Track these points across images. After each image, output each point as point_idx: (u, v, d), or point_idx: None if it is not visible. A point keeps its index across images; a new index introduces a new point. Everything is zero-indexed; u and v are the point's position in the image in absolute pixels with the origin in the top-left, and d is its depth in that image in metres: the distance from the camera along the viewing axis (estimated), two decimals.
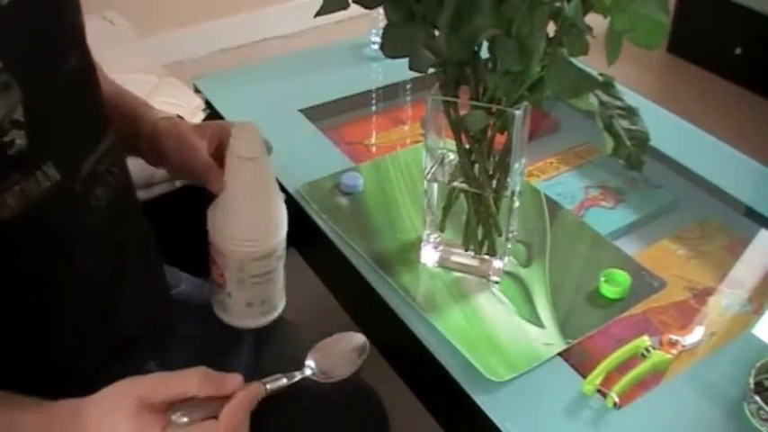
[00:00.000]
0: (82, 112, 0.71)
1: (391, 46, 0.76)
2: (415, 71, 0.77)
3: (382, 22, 0.76)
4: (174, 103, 1.36)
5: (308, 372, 0.71)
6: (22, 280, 0.63)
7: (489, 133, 0.79)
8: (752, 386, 0.73)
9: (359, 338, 0.75)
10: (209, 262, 0.80)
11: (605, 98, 0.74)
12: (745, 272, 0.91)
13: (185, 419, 0.58)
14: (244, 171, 0.75)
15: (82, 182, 0.68)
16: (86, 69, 0.72)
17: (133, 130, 0.85)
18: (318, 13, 0.80)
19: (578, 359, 0.80)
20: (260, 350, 0.89)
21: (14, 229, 0.61)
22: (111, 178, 0.73)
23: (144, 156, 0.87)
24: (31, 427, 0.61)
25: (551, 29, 0.71)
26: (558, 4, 0.68)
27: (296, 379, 0.69)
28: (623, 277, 0.87)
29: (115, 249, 0.74)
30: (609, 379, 0.76)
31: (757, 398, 0.72)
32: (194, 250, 0.81)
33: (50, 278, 0.66)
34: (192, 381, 0.60)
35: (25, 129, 0.60)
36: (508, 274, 0.89)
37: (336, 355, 0.74)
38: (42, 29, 0.64)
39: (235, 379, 0.63)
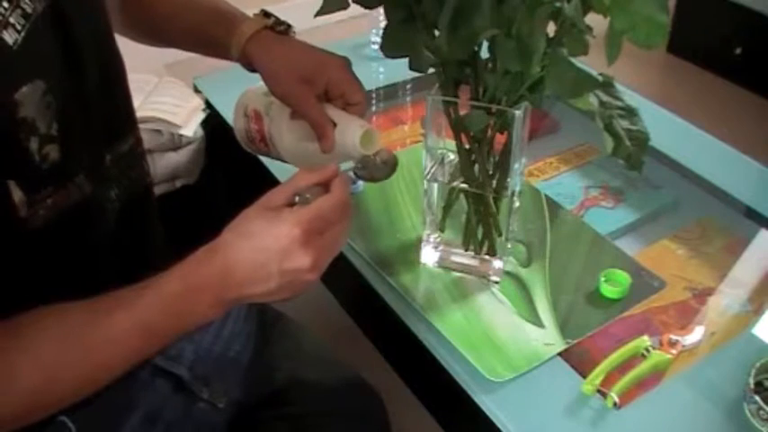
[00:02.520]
0: (108, 117, 0.71)
1: (391, 46, 0.76)
2: (415, 71, 0.77)
3: (382, 22, 0.76)
4: (174, 103, 1.36)
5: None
6: (42, 283, 0.64)
7: (489, 133, 0.79)
8: (752, 386, 0.73)
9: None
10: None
11: (605, 98, 0.74)
12: (745, 272, 0.91)
13: (308, 195, 0.67)
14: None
15: (101, 184, 0.68)
16: (115, 73, 0.72)
17: (219, 42, 0.83)
18: (318, 13, 0.80)
19: (578, 359, 0.80)
20: (261, 346, 0.89)
21: (42, 237, 0.62)
22: (126, 181, 0.73)
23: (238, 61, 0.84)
24: (172, 283, 0.63)
25: (551, 29, 0.71)
26: (558, 4, 0.68)
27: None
28: (623, 277, 0.87)
29: (129, 252, 0.75)
30: (609, 379, 0.76)
31: (757, 398, 0.72)
32: (195, 249, 0.81)
33: (69, 280, 0.66)
34: (299, 175, 0.68)
35: (58, 142, 0.61)
36: (508, 274, 0.89)
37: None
38: (75, 37, 0.64)
39: (331, 166, 0.69)
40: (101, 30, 0.70)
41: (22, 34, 0.57)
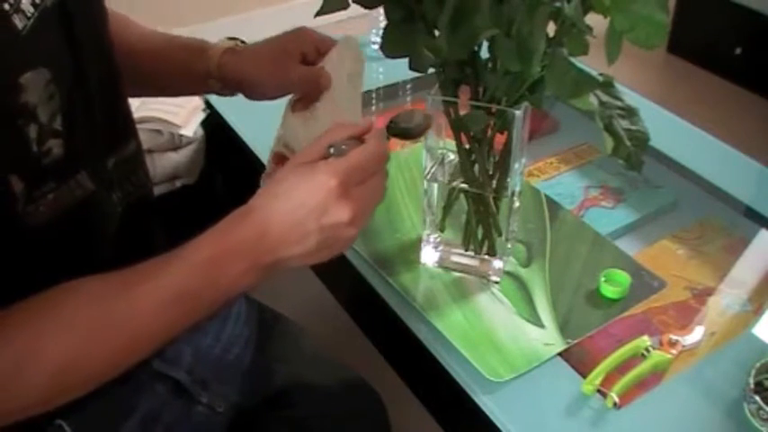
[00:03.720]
0: (110, 120, 0.71)
1: (391, 46, 0.76)
2: (415, 71, 0.77)
3: (382, 22, 0.76)
4: (174, 103, 1.36)
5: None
6: (42, 283, 0.64)
7: (489, 133, 0.79)
8: (752, 386, 0.73)
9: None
10: (274, 169, 0.82)
11: (605, 98, 0.74)
12: (745, 272, 0.91)
13: (344, 147, 0.65)
14: (345, 85, 0.78)
15: (103, 187, 0.68)
16: (114, 77, 0.72)
17: (194, 70, 0.85)
18: (318, 13, 0.80)
19: (578, 359, 0.80)
20: (260, 349, 0.89)
21: (43, 235, 0.61)
22: (128, 185, 0.73)
23: (217, 91, 0.86)
24: (203, 248, 0.61)
25: (551, 29, 0.71)
26: (557, 4, 0.68)
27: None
28: (623, 277, 0.87)
29: (129, 255, 0.75)
30: (609, 379, 0.76)
31: (757, 398, 0.72)
32: None
33: (69, 280, 0.66)
34: (332, 129, 0.66)
35: (62, 137, 0.61)
36: (508, 274, 0.89)
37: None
38: (79, 33, 0.64)
39: (366, 120, 0.69)
40: (101, 33, 0.70)
41: (31, 21, 0.57)
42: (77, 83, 0.63)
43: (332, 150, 0.65)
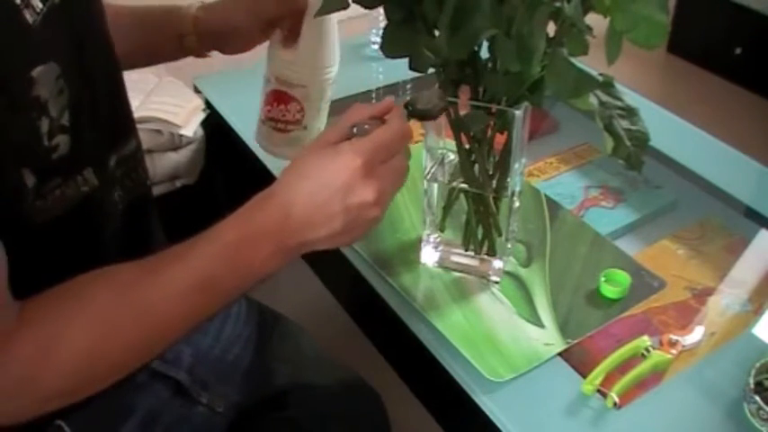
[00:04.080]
0: (112, 118, 0.71)
1: (391, 46, 0.76)
2: (415, 71, 0.77)
3: (382, 22, 0.76)
4: (174, 103, 1.36)
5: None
6: (44, 281, 0.64)
7: (489, 133, 0.79)
8: (752, 386, 0.73)
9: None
10: (271, 110, 0.89)
11: (605, 98, 0.74)
12: (745, 272, 0.91)
13: (366, 126, 0.64)
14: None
15: (106, 184, 0.69)
16: (116, 75, 0.73)
17: (170, 31, 0.88)
18: (318, 14, 0.80)
19: (578, 359, 0.80)
20: (260, 349, 0.89)
21: (47, 232, 0.62)
22: (129, 183, 0.73)
23: (194, 50, 0.90)
24: (227, 232, 0.61)
25: (551, 29, 0.71)
26: (557, 4, 0.68)
27: None
28: (623, 277, 0.87)
29: (130, 253, 0.75)
30: (609, 379, 0.76)
31: (757, 398, 0.72)
32: None
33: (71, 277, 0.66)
34: (353, 110, 0.66)
35: (69, 133, 0.61)
36: (508, 274, 0.89)
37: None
38: (82, 31, 0.65)
39: (387, 100, 0.68)
40: (103, 31, 0.70)
41: (40, 17, 0.58)
42: (83, 79, 0.64)
43: (355, 130, 0.64)
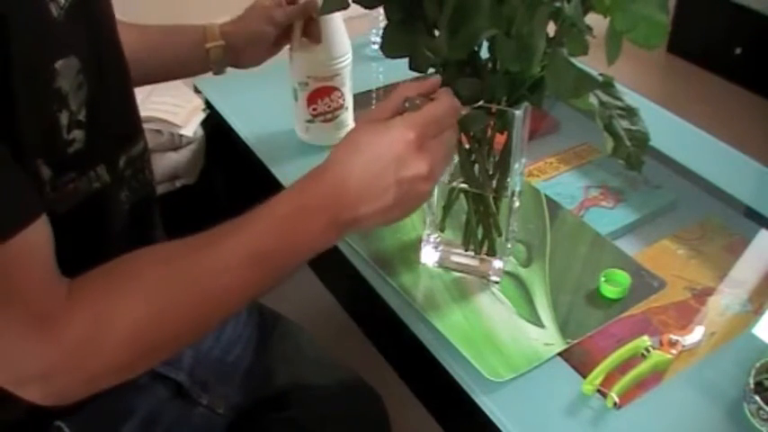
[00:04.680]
0: (123, 118, 0.72)
1: (391, 46, 0.76)
2: (415, 71, 0.77)
3: (382, 22, 0.76)
4: (174, 103, 1.36)
5: None
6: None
7: (489, 133, 0.79)
8: (752, 386, 0.73)
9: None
10: (317, 107, 1.04)
11: (605, 98, 0.74)
12: (745, 272, 0.91)
13: (417, 101, 0.66)
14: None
15: (115, 183, 0.69)
16: (126, 76, 0.73)
17: (200, 46, 0.96)
18: (319, 14, 0.81)
19: (578, 359, 0.80)
20: (260, 350, 0.89)
21: (58, 227, 0.62)
22: (136, 183, 0.73)
23: (220, 63, 0.98)
24: (282, 205, 0.61)
25: (551, 29, 0.71)
26: (557, 4, 0.68)
27: None
28: (623, 277, 0.87)
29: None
30: (609, 379, 0.76)
31: (757, 398, 0.72)
32: None
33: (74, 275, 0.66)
34: (402, 87, 0.67)
35: (85, 129, 0.62)
36: (508, 274, 0.89)
37: None
38: (98, 30, 0.66)
39: (433, 78, 0.69)
40: (115, 33, 0.71)
41: (63, 11, 0.59)
42: (99, 77, 0.64)
43: (407, 104, 0.66)
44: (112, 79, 0.69)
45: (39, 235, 0.55)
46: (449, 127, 0.65)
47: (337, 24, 1.00)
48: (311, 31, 0.99)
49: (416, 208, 0.65)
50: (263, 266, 0.60)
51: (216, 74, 1.00)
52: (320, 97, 1.04)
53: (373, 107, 0.65)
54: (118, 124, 0.70)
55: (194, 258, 0.59)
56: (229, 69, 1.02)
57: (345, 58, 1.03)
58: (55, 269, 0.57)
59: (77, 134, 0.61)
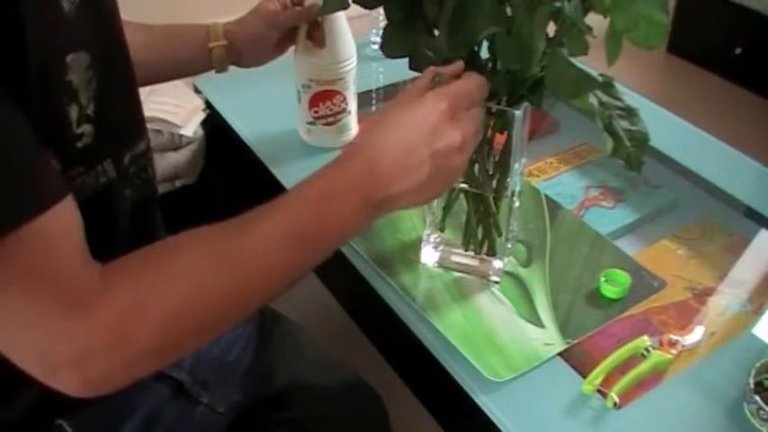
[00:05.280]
0: (128, 115, 0.72)
1: (391, 46, 0.76)
2: (415, 71, 0.77)
3: (382, 22, 0.76)
4: (175, 103, 1.36)
5: None
6: None
7: (489, 133, 0.79)
8: (752, 386, 0.73)
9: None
10: (319, 110, 1.05)
11: (605, 98, 0.74)
12: (745, 272, 0.91)
13: (446, 76, 0.67)
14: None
15: (120, 180, 0.69)
16: (132, 74, 0.73)
17: (203, 45, 0.97)
18: (319, 13, 0.80)
19: (578, 359, 0.80)
20: (261, 349, 0.89)
21: None
22: (138, 181, 0.74)
23: (222, 62, 0.99)
24: (314, 183, 0.62)
25: (551, 29, 0.71)
26: (557, 4, 0.68)
27: None
28: (623, 277, 0.87)
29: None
30: (609, 379, 0.76)
31: (757, 398, 0.72)
32: None
33: None
34: (429, 71, 0.68)
35: (93, 123, 0.62)
36: (508, 274, 0.89)
37: None
38: (106, 27, 0.67)
39: (458, 63, 0.70)
40: (121, 32, 0.71)
41: (74, 6, 0.59)
42: (107, 73, 0.64)
43: (437, 79, 0.67)
44: (119, 76, 0.69)
45: (68, 215, 0.54)
46: (477, 103, 0.66)
47: (342, 28, 1.01)
48: (315, 35, 0.99)
49: (450, 184, 0.65)
50: (302, 246, 0.60)
51: (218, 72, 1.00)
52: (322, 101, 1.04)
53: (401, 90, 0.65)
54: (124, 121, 0.70)
55: (232, 239, 0.58)
56: (231, 69, 1.02)
57: (349, 63, 1.03)
58: (87, 252, 0.56)
59: (86, 129, 0.62)
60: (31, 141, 0.52)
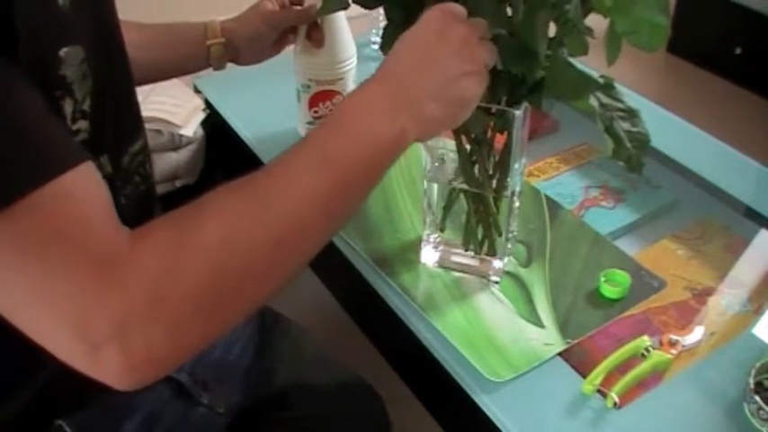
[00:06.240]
0: (126, 112, 0.72)
1: (391, 46, 0.76)
2: None
3: (382, 22, 0.76)
4: (174, 103, 1.36)
5: None
6: None
7: (489, 133, 0.79)
8: (752, 386, 0.73)
9: None
10: (318, 110, 1.05)
11: (606, 100, 0.74)
12: (745, 272, 0.91)
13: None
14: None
15: (118, 177, 0.69)
16: (129, 71, 0.73)
17: (201, 43, 0.97)
18: (318, 14, 0.80)
19: (578, 359, 0.80)
20: (261, 349, 0.89)
21: None
22: (138, 179, 0.73)
23: (220, 59, 0.99)
24: (338, 108, 0.63)
25: (551, 29, 0.71)
26: (565, 7, 0.68)
27: None
28: (623, 277, 0.87)
29: None
30: (609, 379, 0.76)
31: (757, 398, 0.72)
32: None
33: None
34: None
35: (89, 119, 0.62)
36: (508, 274, 0.89)
37: None
38: (102, 22, 0.66)
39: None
40: (118, 29, 0.71)
41: (68, 1, 0.59)
42: (103, 69, 0.64)
43: None
44: (116, 72, 0.69)
45: (92, 177, 0.52)
46: (484, 33, 0.67)
47: (342, 28, 1.01)
48: (315, 35, 0.99)
49: (480, 84, 0.65)
50: (330, 170, 0.57)
51: (215, 69, 1.01)
52: (322, 101, 1.04)
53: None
54: (121, 117, 0.70)
55: (257, 180, 0.56)
56: (230, 68, 1.02)
57: (348, 63, 1.04)
58: (116, 218, 0.53)
59: (82, 124, 0.61)
60: (47, 112, 0.52)
